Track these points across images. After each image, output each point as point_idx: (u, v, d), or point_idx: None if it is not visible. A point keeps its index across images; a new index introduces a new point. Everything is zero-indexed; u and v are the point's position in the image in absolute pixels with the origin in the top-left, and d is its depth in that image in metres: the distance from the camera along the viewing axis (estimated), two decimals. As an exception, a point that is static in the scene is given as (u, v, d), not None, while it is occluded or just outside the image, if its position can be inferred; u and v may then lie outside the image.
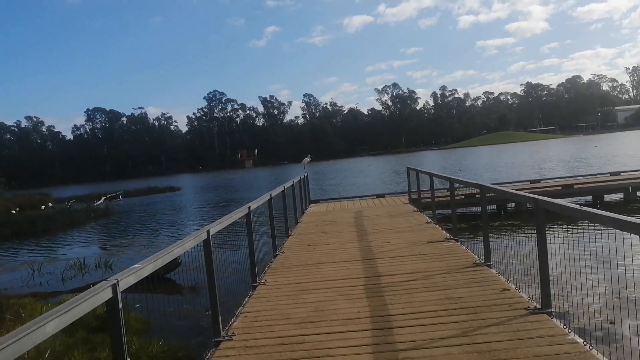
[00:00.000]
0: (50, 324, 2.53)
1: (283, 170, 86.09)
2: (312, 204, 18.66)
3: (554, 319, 5.03)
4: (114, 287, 3.17)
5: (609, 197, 18.45)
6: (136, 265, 3.61)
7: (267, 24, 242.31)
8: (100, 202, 43.70)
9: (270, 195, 9.88)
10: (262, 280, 7.60)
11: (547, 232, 5.28)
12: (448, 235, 9.92)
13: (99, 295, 3.02)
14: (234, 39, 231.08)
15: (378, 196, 19.94)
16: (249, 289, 7.28)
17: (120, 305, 3.19)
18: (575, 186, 18.22)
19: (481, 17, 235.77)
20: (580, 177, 21.53)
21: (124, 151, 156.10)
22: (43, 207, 39.10)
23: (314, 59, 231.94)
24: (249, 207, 7.71)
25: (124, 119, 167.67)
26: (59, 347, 6.53)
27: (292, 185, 13.66)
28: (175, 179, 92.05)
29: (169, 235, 21.42)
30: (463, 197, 16.58)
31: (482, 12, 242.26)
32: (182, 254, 4.95)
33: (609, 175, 20.53)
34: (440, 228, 10.97)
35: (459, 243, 9.23)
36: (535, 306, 5.35)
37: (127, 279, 3.38)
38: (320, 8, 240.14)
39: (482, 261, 7.48)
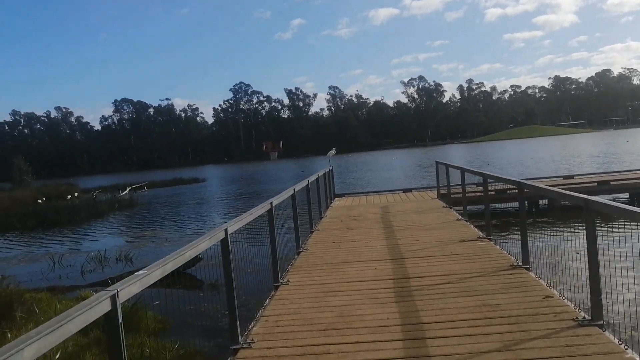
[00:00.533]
0: (30, 348, 2.11)
1: (307, 162, 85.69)
2: (336, 198, 18.22)
3: (607, 333, 4.52)
4: (113, 299, 2.75)
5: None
6: (141, 272, 3.19)
7: (293, 17, 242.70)
8: (125, 192, 43.85)
9: (294, 190, 9.48)
10: (285, 280, 7.18)
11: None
12: (480, 233, 9.40)
13: (94, 309, 2.60)
14: (260, 31, 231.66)
15: (405, 191, 19.39)
16: (270, 288, 6.88)
17: (121, 320, 2.77)
18: (611, 182, 17.46)
19: (508, 9, 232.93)
20: (616, 174, 20.68)
21: (151, 142, 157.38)
22: (69, 197, 39.30)
23: (340, 52, 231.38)
24: (271, 203, 7.29)
25: (151, 110, 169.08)
26: (72, 348, 6.19)
27: (317, 179, 13.24)
28: (200, 170, 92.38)
29: (191, 228, 21.16)
30: (493, 192, 15.97)
31: (509, 5, 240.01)
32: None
33: (646, 171, 19.69)
34: (471, 226, 10.45)
35: (492, 242, 8.72)
36: (584, 317, 4.84)
37: (129, 288, 2.95)
38: (346, 1, 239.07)
39: (520, 263, 6.96)
